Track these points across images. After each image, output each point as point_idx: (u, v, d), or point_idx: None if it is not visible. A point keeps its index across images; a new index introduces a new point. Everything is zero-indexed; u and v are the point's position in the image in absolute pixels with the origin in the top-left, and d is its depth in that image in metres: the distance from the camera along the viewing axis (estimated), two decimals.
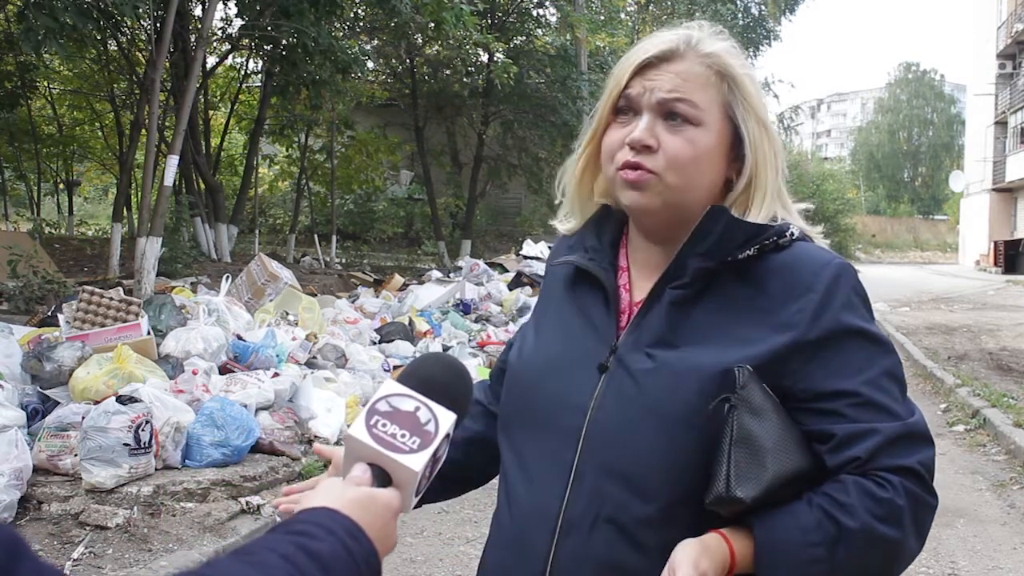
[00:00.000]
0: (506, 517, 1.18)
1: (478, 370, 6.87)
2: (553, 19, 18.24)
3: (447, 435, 0.90)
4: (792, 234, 1.11)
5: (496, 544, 1.20)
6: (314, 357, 6.34)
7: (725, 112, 1.12)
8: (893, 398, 1.05)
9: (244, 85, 17.55)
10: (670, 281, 1.12)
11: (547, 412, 1.15)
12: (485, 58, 16.59)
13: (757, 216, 1.12)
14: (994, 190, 32.75)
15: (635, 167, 1.10)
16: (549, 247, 15.31)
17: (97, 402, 4.32)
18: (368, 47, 16.09)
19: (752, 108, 1.13)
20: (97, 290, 5.69)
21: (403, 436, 0.87)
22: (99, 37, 12.94)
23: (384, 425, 0.88)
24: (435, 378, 0.95)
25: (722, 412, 1.02)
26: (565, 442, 1.12)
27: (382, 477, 0.87)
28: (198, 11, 13.01)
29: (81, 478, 4.04)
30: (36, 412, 4.53)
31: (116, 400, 4.14)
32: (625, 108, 1.14)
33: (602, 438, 1.09)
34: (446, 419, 0.90)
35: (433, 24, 11.35)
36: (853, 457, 1.02)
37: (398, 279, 12.06)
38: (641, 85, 1.12)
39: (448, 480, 1.14)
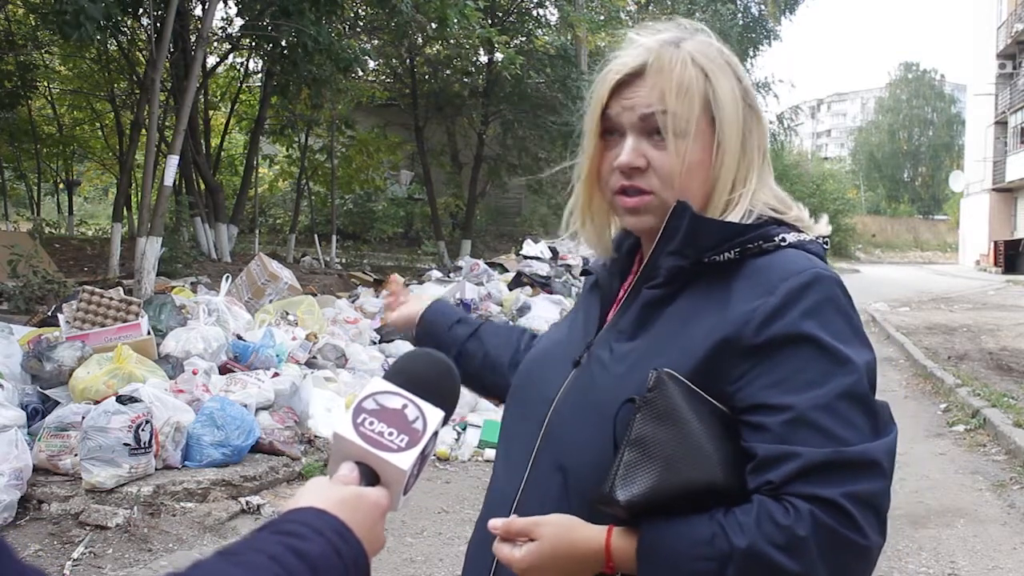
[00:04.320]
0: (488, 495, 1.25)
1: None
2: (553, 19, 18.25)
3: (435, 432, 0.89)
4: (782, 240, 1.06)
5: (479, 518, 1.25)
6: (314, 357, 6.34)
7: (707, 112, 1.08)
8: (844, 422, 0.95)
9: (244, 85, 17.56)
10: (646, 281, 1.11)
11: (527, 401, 1.20)
12: (485, 59, 16.58)
13: (740, 209, 1.08)
14: (994, 190, 32.76)
15: (630, 191, 1.09)
16: (550, 247, 15.38)
17: (97, 402, 4.32)
18: (368, 46, 16.07)
19: (723, 102, 1.08)
20: (97, 290, 5.69)
21: (391, 434, 0.86)
22: (99, 37, 12.92)
23: (371, 423, 0.86)
24: (423, 375, 0.94)
25: (630, 413, 1.00)
26: (532, 430, 1.14)
27: (370, 476, 0.85)
28: (198, 11, 13.01)
29: (81, 478, 4.04)
30: (36, 412, 4.54)
31: (116, 400, 4.15)
32: (610, 130, 1.12)
33: (557, 430, 1.12)
34: (434, 416, 0.89)
35: (436, 23, 11.35)
36: (766, 481, 0.95)
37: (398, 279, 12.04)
38: (620, 105, 1.10)
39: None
